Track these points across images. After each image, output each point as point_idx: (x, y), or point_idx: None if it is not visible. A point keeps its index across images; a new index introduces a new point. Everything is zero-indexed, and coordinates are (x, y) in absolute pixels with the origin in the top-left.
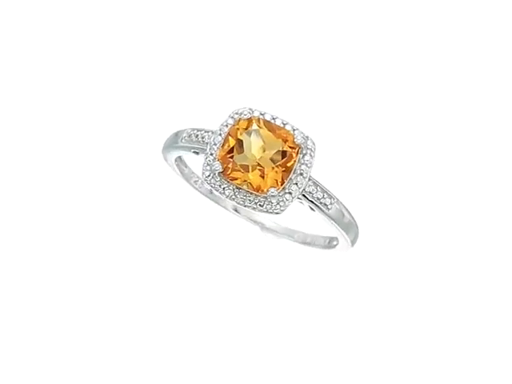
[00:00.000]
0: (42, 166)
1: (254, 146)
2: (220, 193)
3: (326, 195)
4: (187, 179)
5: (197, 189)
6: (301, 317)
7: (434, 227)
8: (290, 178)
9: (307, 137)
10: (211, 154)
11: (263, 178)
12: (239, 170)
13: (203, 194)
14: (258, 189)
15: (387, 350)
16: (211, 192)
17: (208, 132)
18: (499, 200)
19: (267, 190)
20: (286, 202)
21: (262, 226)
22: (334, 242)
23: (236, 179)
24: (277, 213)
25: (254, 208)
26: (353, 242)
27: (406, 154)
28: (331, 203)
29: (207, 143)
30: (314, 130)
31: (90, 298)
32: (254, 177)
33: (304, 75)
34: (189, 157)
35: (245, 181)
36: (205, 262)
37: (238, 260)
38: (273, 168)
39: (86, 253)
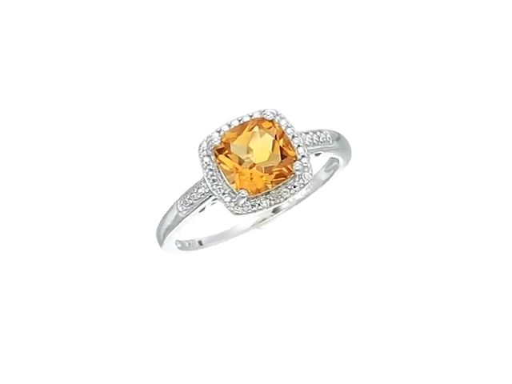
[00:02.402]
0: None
1: (242, 156)
2: (259, 210)
3: (319, 134)
4: (194, 248)
5: (212, 245)
6: (305, 315)
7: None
8: (292, 147)
9: (267, 110)
10: (223, 194)
11: (273, 168)
12: (255, 182)
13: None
14: (281, 180)
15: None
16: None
17: (199, 184)
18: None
19: (291, 167)
20: (308, 164)
21: (258, 226)
22: (334, 163)
23: (259, 189)
24: (310, 180)
25: (292, 194)
26: (350, 153)
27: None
28: (326, 135)
29: (209, 191)
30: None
31: (86, 292)
32: (265, 176)
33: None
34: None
35: (265, 185)
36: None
37: (241, 264)
38: (270, 156)
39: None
